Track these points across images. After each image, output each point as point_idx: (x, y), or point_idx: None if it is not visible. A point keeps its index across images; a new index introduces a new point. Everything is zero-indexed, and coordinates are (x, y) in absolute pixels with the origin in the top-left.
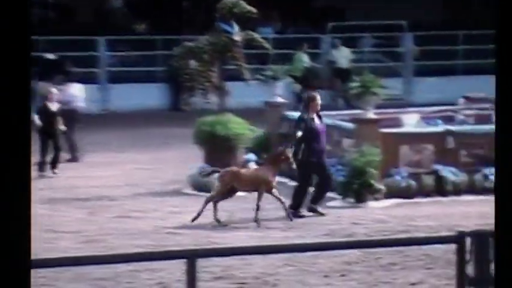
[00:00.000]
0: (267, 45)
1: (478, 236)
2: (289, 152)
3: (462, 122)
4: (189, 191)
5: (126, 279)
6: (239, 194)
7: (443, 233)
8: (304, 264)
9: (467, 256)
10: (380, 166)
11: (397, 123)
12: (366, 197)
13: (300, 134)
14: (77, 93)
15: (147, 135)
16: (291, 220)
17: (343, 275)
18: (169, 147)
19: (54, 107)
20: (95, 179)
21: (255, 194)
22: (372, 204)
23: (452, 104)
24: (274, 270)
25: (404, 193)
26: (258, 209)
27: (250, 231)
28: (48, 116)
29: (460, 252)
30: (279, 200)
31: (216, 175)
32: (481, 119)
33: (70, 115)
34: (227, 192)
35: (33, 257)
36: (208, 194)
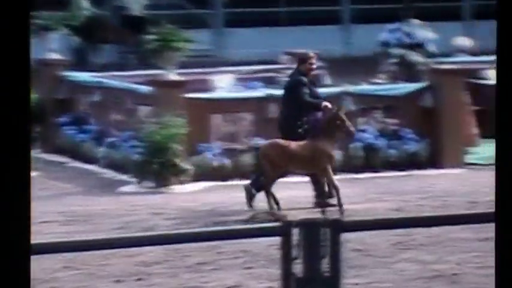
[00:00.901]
0: None
1: (307, 226)
2: (344, 114)
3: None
4: None
5: None
6: None
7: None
8: (91, 266)
9: (294, 251)
10: (186, 141)
11: (207, 86)
12: (168, 179)
13: (325, 103)
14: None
15: None
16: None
17: (139, 279)
18: None
19: None
20: None
21: None
22: (176, 188)
23: (274, 62)
24: (50, 274)
25: (218, 174)
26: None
27: None
28: None
29: (286, 246)
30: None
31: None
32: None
33: None
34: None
35: None
36: None
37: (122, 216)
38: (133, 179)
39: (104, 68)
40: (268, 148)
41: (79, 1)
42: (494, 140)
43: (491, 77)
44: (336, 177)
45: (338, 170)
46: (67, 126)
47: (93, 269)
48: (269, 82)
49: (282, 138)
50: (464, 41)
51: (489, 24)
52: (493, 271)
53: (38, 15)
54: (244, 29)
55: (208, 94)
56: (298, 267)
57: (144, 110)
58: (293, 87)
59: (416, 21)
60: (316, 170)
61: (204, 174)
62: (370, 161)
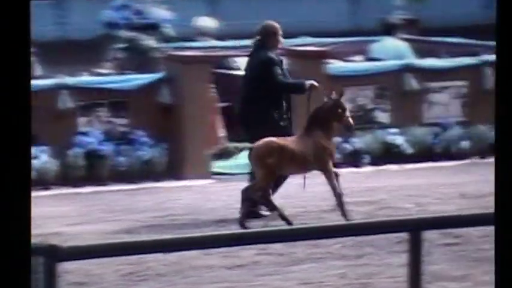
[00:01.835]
0: None
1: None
2: (345, 103)
3: None
4: None
5: None
6: None
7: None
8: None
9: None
10: None
11: None
12: None
13: (310, 81)
14: None
15: None
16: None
17: None
18: None
19: None
20: None
21: None
22: None
23: None
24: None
25: None
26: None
27: None
28: None
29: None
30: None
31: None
32: None
33: None
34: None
35: None
36: None
37: None
38: None
39: None
40: (263, 149)
41: None
42: (243, 143)
43: (240, 65)
44: (50, 193)
45: (53, 183)
46: None
47: None
48: None
49: (248, 135)
50: (207, 22)
51: (238, 2)
52: None
53: None
54: None
55: None
56: None
57: None
58: (263, 67)
59: None
60: (317, 169)
61: None
62: (94, 172)
